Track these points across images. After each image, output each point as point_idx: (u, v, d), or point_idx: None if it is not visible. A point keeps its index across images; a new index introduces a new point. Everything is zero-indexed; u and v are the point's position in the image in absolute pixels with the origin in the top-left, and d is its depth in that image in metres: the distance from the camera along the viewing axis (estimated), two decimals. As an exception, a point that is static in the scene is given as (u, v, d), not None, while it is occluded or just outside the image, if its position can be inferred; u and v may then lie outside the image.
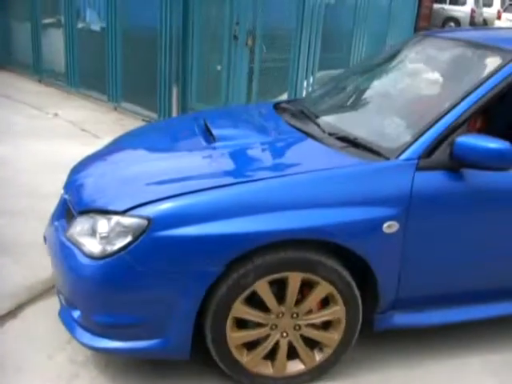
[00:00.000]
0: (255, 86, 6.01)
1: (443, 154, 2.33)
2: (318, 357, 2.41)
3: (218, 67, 6.10)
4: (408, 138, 2.39)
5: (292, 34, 5.99)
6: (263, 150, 2.64)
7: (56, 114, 6.86)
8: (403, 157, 2.32)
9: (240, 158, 2.55)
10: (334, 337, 2.38)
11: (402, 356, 2.71)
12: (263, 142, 2.73)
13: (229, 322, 2.23)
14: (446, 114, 2.38)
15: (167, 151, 2.84)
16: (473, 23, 19.83)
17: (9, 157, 5.09)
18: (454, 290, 2.58)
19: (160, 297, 2.13)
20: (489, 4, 22.22)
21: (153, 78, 6.59)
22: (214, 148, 2.62)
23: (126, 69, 7.13)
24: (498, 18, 22.97)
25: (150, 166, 2.54)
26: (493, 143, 2.23)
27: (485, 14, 21.71)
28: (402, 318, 2.51)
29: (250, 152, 2.60)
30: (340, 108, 3.12)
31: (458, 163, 2.31)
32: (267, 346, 2.33)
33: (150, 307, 2.15)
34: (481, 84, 2.43)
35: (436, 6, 18.94)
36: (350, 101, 3.18)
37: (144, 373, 2.48)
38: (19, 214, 3.84)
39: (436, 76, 2.95)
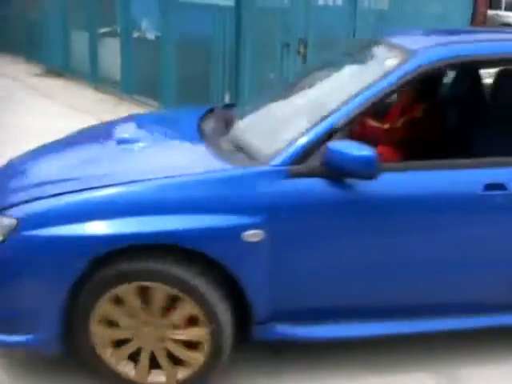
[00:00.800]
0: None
1: (317, 160, 2.21)
2: (181, 374, 2.31)
3: (271, 75, 6.15)
4: (282, 143, 2.29)
5: (344, 41, 5.99)
6: (148, 153, 2.64)
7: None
8: (273, 163, 2.23)
9: (119, 161, 2.58)
10: (198, 357, 2.27)
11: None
12: (155, 145, 2.77)
13: (92, 320, 2.23)
14: (324, 118, 2.27)
15: (77, 152, 2.86)
16: (529, 29, 19.28)
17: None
18: (343, 303, 2.41)
19: (30, 293, 2.19)
20: (546, 10, 21.55)
21: (206, 86, 6.70)
22: (112, 150, 2.70)
23: (179, 76, 7.27)
24: (556, 23, 22.23)
25: (47, 167, 2.64)
26: (358, 150, 2.13)
27: (541, 20, 21.08)
28: (286, 330, 2.35)
29: (133, 155, 2.60)
30: (256, 113, 2.97)
31: (330, 170, 2.19)
32: (130, 348, 2.30)
33: (22, 302, 2.22)
34: (366, 88, 2.31)
35: (490, 12, 18.50)
36: (268, 106, 3.02)
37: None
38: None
39: (340, 80, 2.82)
